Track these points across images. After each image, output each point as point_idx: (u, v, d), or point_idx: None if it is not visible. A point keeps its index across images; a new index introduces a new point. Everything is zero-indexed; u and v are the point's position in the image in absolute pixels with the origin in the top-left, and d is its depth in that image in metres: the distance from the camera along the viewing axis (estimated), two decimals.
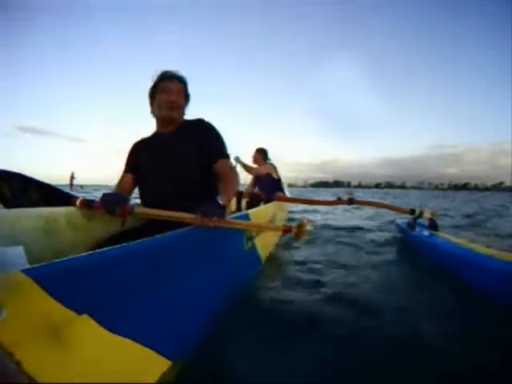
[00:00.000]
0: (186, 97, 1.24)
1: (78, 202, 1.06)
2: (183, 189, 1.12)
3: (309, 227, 1.03)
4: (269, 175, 3.03)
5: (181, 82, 1.20)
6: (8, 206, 1.04)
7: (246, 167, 3.06)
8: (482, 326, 1.07)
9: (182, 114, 1.23)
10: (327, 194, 14.91)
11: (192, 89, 1.27)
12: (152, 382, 0.62)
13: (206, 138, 1.18)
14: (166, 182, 1.13)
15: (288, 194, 3.33)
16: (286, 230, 1.02)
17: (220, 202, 0.96)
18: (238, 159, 2.99)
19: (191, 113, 1.28)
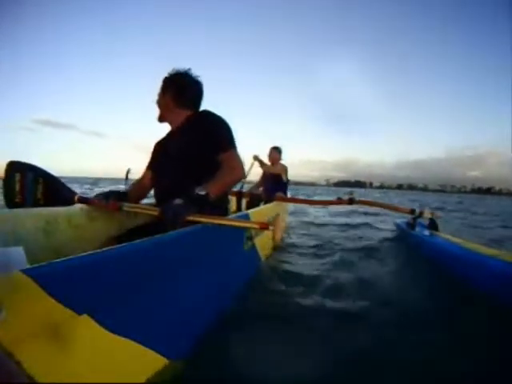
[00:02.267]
0: (173, 90, 1.20)
1: (76, 198, 1.15)
2: (179, 183, 1.10)
3: (284, 224, 0.99)
4: (280, 176, 3.05)
5: (164, 81, 1.23)
6: (10, 202, 1.05)
7: (263, 165, 3.07)
8: (482, 326, 1.07)
9: (171, 109, 1.21)
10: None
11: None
12: (152, 381, 0.62)
13: (210, 129, 1.14)
14: (165, 177, 1.17)
15: (289, 195, 3.33)
16: (263, 227, 0.90)
17: (201, 191, 0.92)
18: (256, 157, 3.02)
19: None
